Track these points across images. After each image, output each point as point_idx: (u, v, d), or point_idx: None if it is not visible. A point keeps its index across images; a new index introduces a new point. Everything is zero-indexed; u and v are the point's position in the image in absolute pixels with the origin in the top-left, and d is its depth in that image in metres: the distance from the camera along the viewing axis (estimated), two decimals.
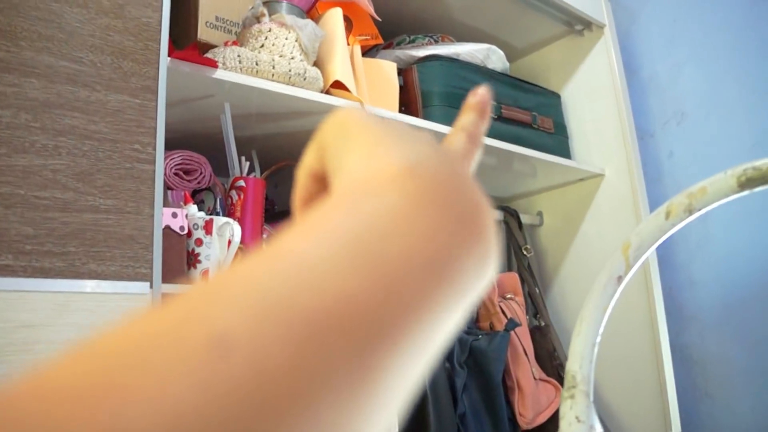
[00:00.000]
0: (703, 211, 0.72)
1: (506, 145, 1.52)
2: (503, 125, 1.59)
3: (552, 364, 1.60)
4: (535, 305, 1.70)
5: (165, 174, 1.14)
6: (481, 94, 0.34)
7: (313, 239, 0.20)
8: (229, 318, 0.16)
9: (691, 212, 0.71)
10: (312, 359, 0.16)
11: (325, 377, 0.17)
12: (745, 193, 0.59)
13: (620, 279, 0.70)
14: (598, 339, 0.67)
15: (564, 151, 1.77)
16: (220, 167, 1.27)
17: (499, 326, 1.49)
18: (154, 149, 0.98)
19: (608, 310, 0.69)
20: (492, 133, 1.51)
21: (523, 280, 1.68)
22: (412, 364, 0.20)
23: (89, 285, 0.88)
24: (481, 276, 0.23)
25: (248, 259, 0.19)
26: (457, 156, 0.30)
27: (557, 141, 1.76)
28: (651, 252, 0.72)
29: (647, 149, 1.89)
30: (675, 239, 1.80)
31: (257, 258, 0.19)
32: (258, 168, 1.29)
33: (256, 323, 0.17)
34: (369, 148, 0.25)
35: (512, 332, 1.46)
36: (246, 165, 1.23)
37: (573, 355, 0.66)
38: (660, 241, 0.73)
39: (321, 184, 0.31)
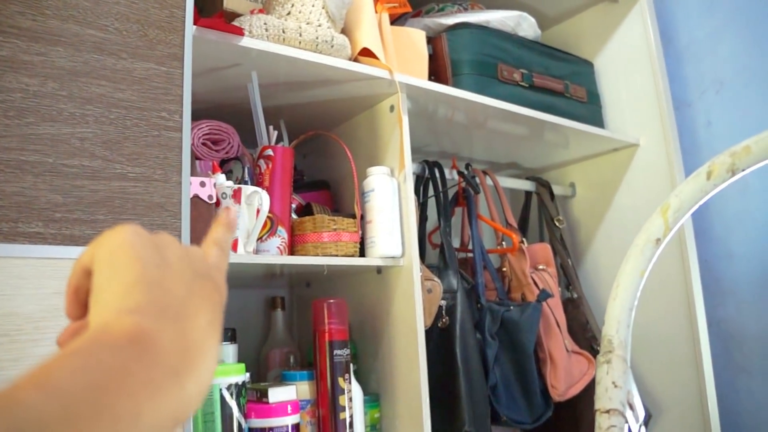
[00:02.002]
0: (747, 171, 0.69)
1: (538, 113, 1.49)
2: (535, 94, 1.56)
3: (585, 336, 1.57)
4: (567, 277, 1.67)
5: (193, 144, 1.14)
6: (228, 213, 0.45)
7: (39, 392, 0.23)
8: None
9: (734, 172, 0.68)
10: None
11: None
12: None
13: (658, 242, 0.67)
14: (635, 303, 0.65)
15: (597, 121, 1.73)
16: (248, 138, 1.26)
17: (531, 297, 1.47)
18: (181, 117, 0.98)
19: (646, 274, 0.67)
20: (523, 102, 1.48)
21: (555, 252, 1.65)
22: None
23: None
24: (180, 414, 0.29)
25: None
26: (201, 298, 0.35)
27: (590, 110, 1.72)
28: (690, 213, 0.70)
29: (684, 119, 1.84)
30: (712, 210, 1.75)
31: None
32: (286, 137, 1.28)
33: None
34: (121, 293, 0.31)
35: (544, 303, 1.44)
36: (274, 134, 1.22)
37: (609, 319, 0.64)
38: (701, 203, 0.70)
39: (89, 279, 0.35)
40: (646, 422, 0.67)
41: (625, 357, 0.62)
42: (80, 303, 0.36)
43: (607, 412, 0.61)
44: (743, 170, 0.69)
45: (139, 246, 0.34)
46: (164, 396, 0.28)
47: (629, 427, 0.62)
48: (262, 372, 1.39)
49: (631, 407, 0.63)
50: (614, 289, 0.65)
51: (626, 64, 1.77)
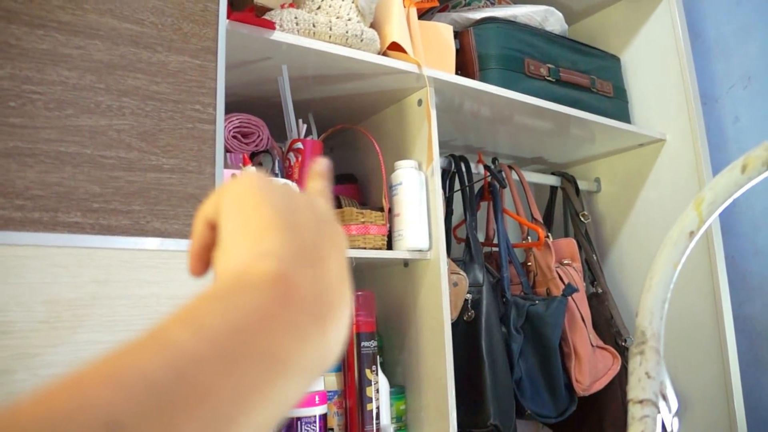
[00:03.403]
0: None
1: (564, 108, 1.49)
2: (561, 88, 1.55)
3: (609, 331, 1.57)
4: (592, 272, 1.67)
5: (223, 137, 1.15)
6: (320, 163, 0.44)
7: (192, 332, 0.24)
8: (122, 405, 0.20)
9: None
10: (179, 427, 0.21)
11: None
12: None
13: (692, 234, 0.67)
14: (669, 296, 0.66)
15: (623, 116, 1.72)
16: (277, 131, 1.27)
17: (556, 291, 1.47)
18: (215, 110, 0.99)
19: (679, 266, 0.67)
20: (549, 96, 1.48)
21: (580, 247, 1.65)
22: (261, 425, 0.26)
23: (153, 242, 0.90)
24: (324, 361, 0.30)
25: (136, 345, 0.23)
26: (330, 240, 0.35)
27: (616, 105, 1.72)
28: (724, 207, 0.70)
29: (711, 114, 1.82)
30: (740, 206, 1.74)
31: (144, 344, 0.23)
32: (315, 131, 1.29)
33: (144, 409, 0.21)
34: (255, 237, 0.31)
35: (569, 298, 1.44)
36: (303, 127, 1.23)
37: (643, 310, 0.64)
38: (735, 196, 0.70)
39: (214, 233, 0.35)
40: (678, 421, 0.67)
41: (658, 348, 0.62)
42: (205, 260, 0.36)
43: (641, 402, 0.61)
44: None
45: (267, 190, 0.33)
46: (309, 340, 0.28)
47: (662, 417, 0.62)
48: None
49: (664, 398, 0.63)
50: (648, 280, 0.65)
51: (653, 59, 1.76)
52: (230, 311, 0.26)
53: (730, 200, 0.69)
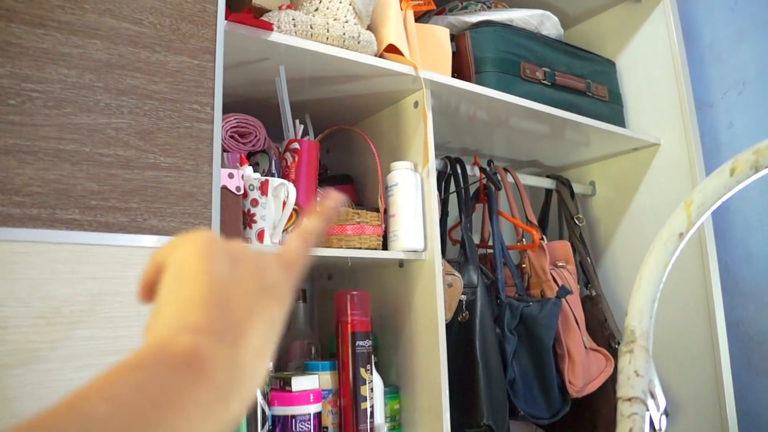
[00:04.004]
0: None
1: (559, 111, 1.50)
2: (556, 92, 1.57)
3: (603, 334, 1.58)
4: (586, 275, 1.68)
5: (221, 139, 1.16)
6: (335, 200, 0.44)
7: (110, 407, 0.25)
8: None
9: (757, 169, 0.69)
10: None
11: None
12: None
13: (681, 236, 0.68)
14: (658, 295, 0.67)
15: (618, 120, 1.74)
16: (275, 132, 1.28)
17: (550, 293, 1.48)
18: (213, 109, 1.00)
19: (668, 267, 0.68)
20: (545, 100, 1.49)
21: (574, 249, 1.66)
22: None
23: (151, 240, 0.91)
24: (225, 429, 0.31)
25: (53, 414, 0.24)
26: (261, 316, 0.36)
27: (611, 109, 1.73)
28: (713, 209, 0.71)
29: (705, 119, 1.84)
30: (732, 211, 1.75)
31: (61, 414, 0.24)
32: (312, 132, 1.30)
33: None
34: (181, 309, 0.33)
35: (563, 300, 1.45)
36: (300, 128, 1.24)
37: (632, 310, 0.65)
38: (724, 199, 0.71)
39: (161, 274, 0.36)
40: (667, 414, 0.68)
41: (647, 347, 0.64)
42: (153, 293, 0.38)
43: (629, 400, 0.62)
44: (766, 167, 0.70)
45: (211, 257, 0.35)
46: (213, 416, 0.30)
47: (650, 415, 0.63)
48: (283, 363, 1.42)
49: (653, 396, 0.64)
50: (637, 280, 0.66)
51: (648, 64, 1.78)
52: (147, 385, 0.28)
53: (719, 202, 0.70)
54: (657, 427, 0.65)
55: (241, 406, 0.33)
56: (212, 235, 0.36)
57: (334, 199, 0.45)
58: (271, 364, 1.11)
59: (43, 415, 0.24)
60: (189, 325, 0.32)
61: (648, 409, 0.62)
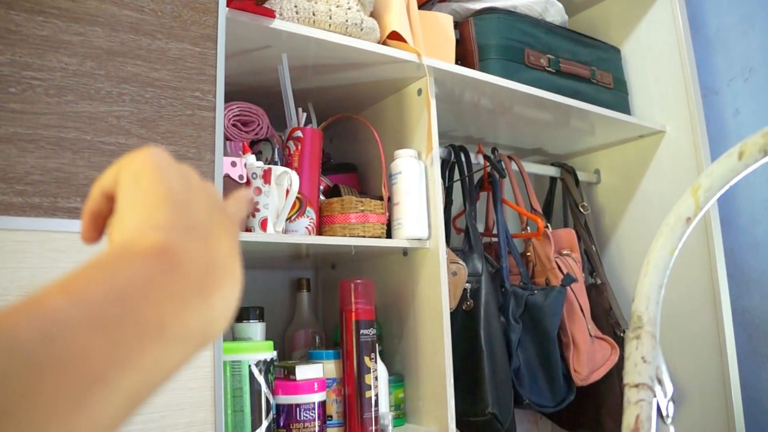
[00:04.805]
0: None
1: (564, 99, 1.49)
2: (561, 79, 1.55)
3: (608, 322, 1.58)
4: (591, 263, 1.67)
5: (223, 125, 1.15)
6: (245, 193, 0.43)
7: (68, 298, 0.25)
8: None
9: (766, 153, 0.68)
10: (38, 399, 0.22)
11: (44, 410, 0.22)
12: None
13: (689, 220, 0.68)
14: (665, 281, 0.66)
15: (623, 108, 1.72)
16: (277, 120, 1.28)
17: (555, 282, 1.47)
18: (215, 97, 0.99)
19: (676, 252, 0.67)
20: (550, 87, 1.48)
21: (579, 238, 1.65)
22: (130, 401, 0.26)
23: None
24: (208, 331, 0.30)
25: (10, 309, 0.23)
26: (221, 225, 0.35)
27: (616, 97, 1.72)
28: (721, 193, 0.70)
29: (711, 107, 1.82)
30: (739, 199, 1.74)
31: (18, 308, 0.24)
32: (315, 120, 1.29)
33: (7, 370, 0.21)
34: (147, 211, 0.32)
35: (568, 288, 1.45)
36: (303, 116, 1.24)
37: (639, 296, 0.65)
38: (732, 183, 0.71)
39: (111, 203, 0.35)
40: (674, 401, 0.67)
41: (654, 333, 0.63)
42: (98, 228, 0.37)
43: (636, 386, 0.61)
44: None
45: (165, 167, 0.34)
46: (190, 310, 0.28)
47: (658, 401, 0.63)
48: (287, 352, 1.42)
49: (660, 382, 0.63)
50: (644, 266, 0.66)
51: (654, 51, 1.76)
52: (111, 278, 0.26)
53: (726, 186, 0.70)
54: (664, 413, 0.65)
55: (223, 305, 0.31)
56: (157, 149, 0.36)
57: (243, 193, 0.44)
58: (275, 353, 1.11)
59: (2, 310, 0.23)
60: (155, 223, 0.31)
61: (655, 396, 0.61)
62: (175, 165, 0.36)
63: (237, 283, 0.33)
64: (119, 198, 0.34)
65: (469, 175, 1.50)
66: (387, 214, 1.25)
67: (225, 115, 1.17)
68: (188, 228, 0.31)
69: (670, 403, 0.67)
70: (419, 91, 1.31)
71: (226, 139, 1.15)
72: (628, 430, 0.60)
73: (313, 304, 1.54)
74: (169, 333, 0.27)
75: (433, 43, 1.34)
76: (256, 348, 1.07)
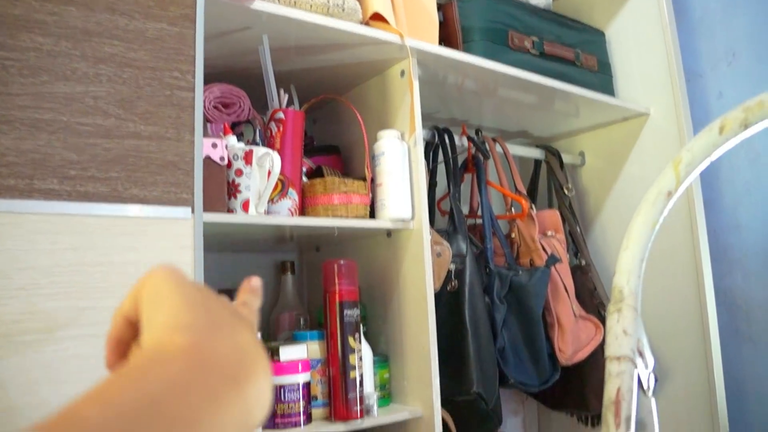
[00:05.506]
0: (759, 127, 0.69)
1: (548, 80, 1.48)
2: (545, 62, 1.55)
3: (593, 302, 1.58)
4: (576, 244, 1.68)
5: (204, 107, 1.14)
6: (251, 281, 0.44)
7: (100, 407, 0.25)
8: None
9: (746, 126, 0.68)
10: None
11: None
12: None
13: (670, 194, 0.68)
14: (646, 255, 0.66)
15: (608, 90, 1.72)
16: (259, 104, 1.26)
17: (540, 262, 1.48)
18: (193, 77, 0.98)
19: (657, 227, 0.67)
20: (534, 69, 1.48)
21: (564, 219, 1.65)
22: None
23: (133, 209, 0.90)
24: (246, 422, 0.30)
25: (46, 424, 0.24)
26: (243, 323, 0.36)
27: (601, 80, 1.71)
28: (702, 168, 0.70)
29: (695, 90, 1.83)
30: (721, 180, 1.75)
31: (53, 422, 0.24)
32: (297, 101, 1.28)
33: None
34: (172, 314, 0.32)
35: (553, 268, 1.45)
36: (285, 98, 1.22)
37: (620, 270, 0.65)
38: (712, 158, 0.71)
39: (133, 329, 0.37)
40: (655, 378, 0.68)
41: (635, 306, 0.63)
42: (121, 354, 0.38)
43: (618, 358, 0.62)
44: (755, 124, 0.69)
45: (179, 279, 0.36)
46: (224, 403, 0.28)
47: (639, 374, 0.63)
48: (272, 335, 1.41)
49: (641, 355, 0.64)
50: (625, 240, 0.66)
51: (638, 34, 1.76)
52: (142, 383, 0.27)
53: (707, 161, 0.70)
54: (645, 386, 0.65)
55: (258, 393, 0.31)
56: (167, 265, 0.37)
57: (251, 279, 0.45)
58: (258, 335, 1.11)
59: (38, 425, 0.24)
60: (181, 323, 0.31)
61: (636, 368, 0.61)
62: (187, 277, 0.37)
63: (268, 372, 0.34)
64: (143, 312, 0.35)
65: (453, 157, 1.50)
66: (370, 194, 1.25)
67: (206, 97, 1.15)
68: (212, 325, 0.32)
69: (651, 376, 0.67)
70: (402, 73, 1.31)
71: (207, 121, 1.14)
72: (610, 402, 0.60)
73: (298, 286, 1.53)
74: (205, 429, 0.27)
75: (416, 25, 1.33)
76: None
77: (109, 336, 0.37)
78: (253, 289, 0.44)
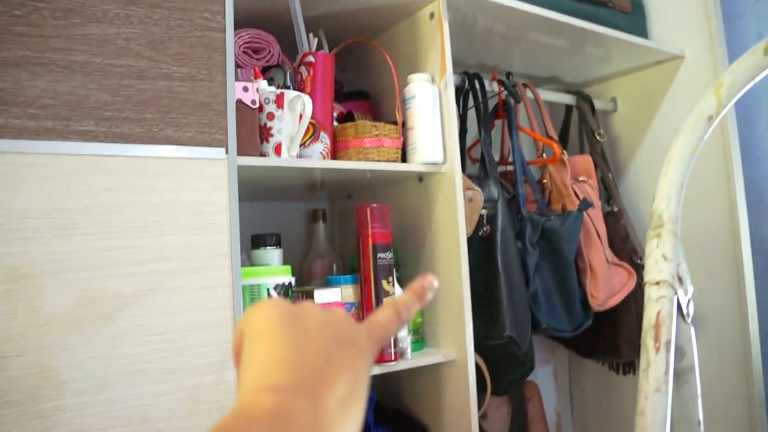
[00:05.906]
0: None
1: (579, 21, 1.45)
2: (576, 3, 1.51)
3: (625, 249, 1.57)
4: (608, 191, 1.66)
5: (234, 53, 1.13)
6: (427, 281, 0.45)
7: None
8: None
9: None
10: None
11: None
12: None
13: (711, 119, 0.66)
14: (686, 180, 0.65)
15: (641, 32, 1.68)
16: (288, 50, 1.25)
17: (572, 208, 1.46)
18: (224, 18, 0.98)
19: (697, 152, 0.66)
20: (564, 11, 1.44)
21: (596, 166, 1.63)
22: None
23: (167, 150, 0.90)
24: None
25: None
26: (349, 362, 0.37)
27: (633, 21, 1.67)
28: (744, 91, 0.68)
29: (733, 32, 1.77)
30: (759, 128, 1.71)
31: None
32: (326, 46, 1.27)
33: None
34: (262, 372, 0.34)
35: (585, 214, 1.44)
36: (314, 42, 1.22)
37: (660, 195, 0.64)
38: (756, 80, 0.69)
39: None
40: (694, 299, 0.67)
41: (675, 231, 0.62)
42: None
43: (657, 283, 0.61)
44: None
45: (278, 321, 0.37)
46: None
47: (678, 299, 0.62)
48: (305, 282, 1.43)
49: (681, 281, 0.63)
50: (665, 165, 0.65)
51: None
52: None
53: (750, 84, 0.68)
54: (685, 311, 0.64)
55: None
56: (278, 301, 0.38)
57: (428, 280, 0.45)
58: (293, 279, 1.12)
59: None
60: (268, 385, 0.33)
61: (676, 293, 0.61)
62: (290, 312, 0.38)
63: (355, 423, 0.35)
64: (243, 354, 0.37)
65: (484, 102, 1.48)
66: (402, 138, 1.24)
67: (235, 42, 1.15)
68: (300, 385, 0.34)
69: (691, 303, 0.66)
70: (432, 15, 1.28)
71: (237, 66, 1.13)
72: (649, 326, 0.60)
73: (330, 234, 1.54)
74: None
75: None
76: (274, 272, 1.08)
77: (233, 347, 0.39)
78: (419, 291, 0.44)
